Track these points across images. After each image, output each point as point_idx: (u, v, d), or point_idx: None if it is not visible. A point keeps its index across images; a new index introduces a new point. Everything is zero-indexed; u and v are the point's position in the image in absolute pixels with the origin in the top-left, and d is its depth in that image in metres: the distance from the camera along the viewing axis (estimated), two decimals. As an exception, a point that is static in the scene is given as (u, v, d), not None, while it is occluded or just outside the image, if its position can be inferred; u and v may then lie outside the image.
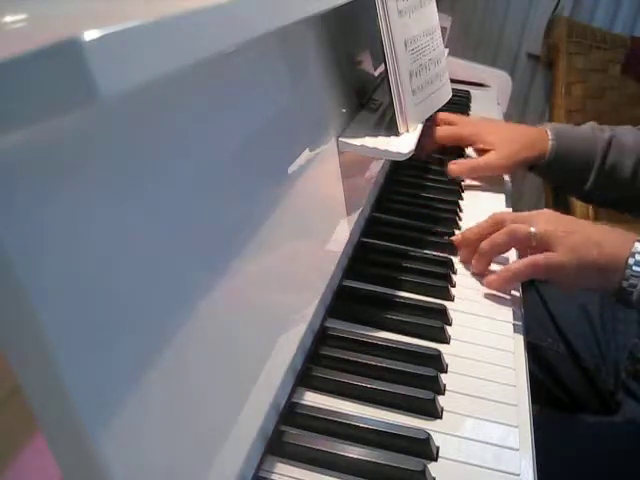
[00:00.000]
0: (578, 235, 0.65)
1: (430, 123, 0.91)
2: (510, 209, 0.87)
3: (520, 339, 0.61)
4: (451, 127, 0.95)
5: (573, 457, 0.68)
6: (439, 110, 0.82)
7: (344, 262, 0.65)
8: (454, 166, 0.90)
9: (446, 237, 0.75)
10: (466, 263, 0.72)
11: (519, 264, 0.65)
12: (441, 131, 0.93)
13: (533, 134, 0.91)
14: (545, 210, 0.71)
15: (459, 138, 0.94)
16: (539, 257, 0.64)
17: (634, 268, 0.62)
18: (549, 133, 0.89)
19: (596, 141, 0.88)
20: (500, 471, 0.45)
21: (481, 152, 0.92)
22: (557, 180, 0.95)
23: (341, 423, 0.46)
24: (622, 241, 0.64)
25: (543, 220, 0.67)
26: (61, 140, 0.25)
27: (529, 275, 0.66)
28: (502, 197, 0.91)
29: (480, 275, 0.70)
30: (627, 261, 0.63)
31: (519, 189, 1.99)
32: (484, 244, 0.69)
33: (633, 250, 0.63)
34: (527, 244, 0.66)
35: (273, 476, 0.43)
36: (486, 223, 0.71)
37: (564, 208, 1.60)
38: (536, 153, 0.88)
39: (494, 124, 0.99)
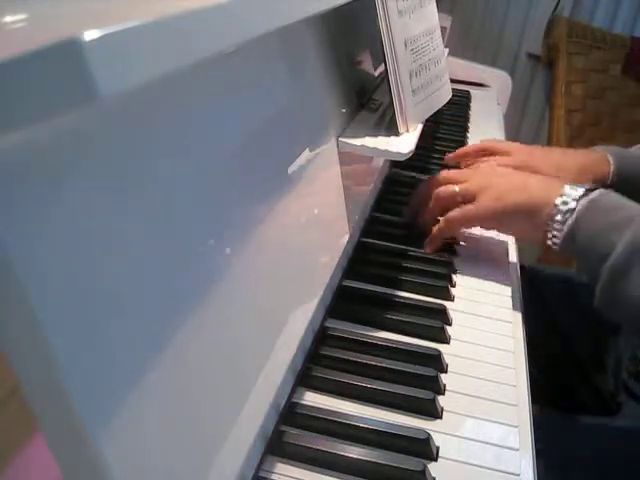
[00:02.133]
0: (503, 184, 0.66)
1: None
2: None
3: (520, 339, 0.61)
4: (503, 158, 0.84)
5: (573, 457, 0.68)
6: (439, 110, 0.81)
7: (344, 262, 0.65)
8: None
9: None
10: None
11: (439, 224, 0.70)
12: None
13: (590, 159, 0.82)
14: (483, 165, 0.74)
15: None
16: (464, 208, 0.67)
17: (560, 208, 0.62)
18: (610, 157, 0.81)
19: None
20: (500, 471, 0.45)
21: None
22: None
23: (341, 423, 0.46)
24: (551, 186, 0.64)
25: (478, 174, 0.70)
26: (61, 140, 0.25)
27: (451, 230, 0.70)
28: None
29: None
30: (554, 202, 0.62)
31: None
32: (422, 210, 0.74)
33: (562, 191, 0.62)
34: (454, 202, 0.69)
35: (273, 476, 0.43)
36: (422, 188, 0.76)
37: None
38: (593, 179, 0.79)
39: (546, 151, 0.88)
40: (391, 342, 0.56)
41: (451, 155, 0.89)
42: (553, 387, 0.86)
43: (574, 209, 0.61)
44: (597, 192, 0.62)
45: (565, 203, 0.62)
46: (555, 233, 0.62)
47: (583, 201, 0.61)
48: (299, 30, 0.55)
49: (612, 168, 0.80)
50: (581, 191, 0.62)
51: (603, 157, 0.82)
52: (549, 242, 0.63)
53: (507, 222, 0.67)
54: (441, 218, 0.69)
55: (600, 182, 0.80)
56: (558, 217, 0.62)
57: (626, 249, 0.57)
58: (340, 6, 0.53)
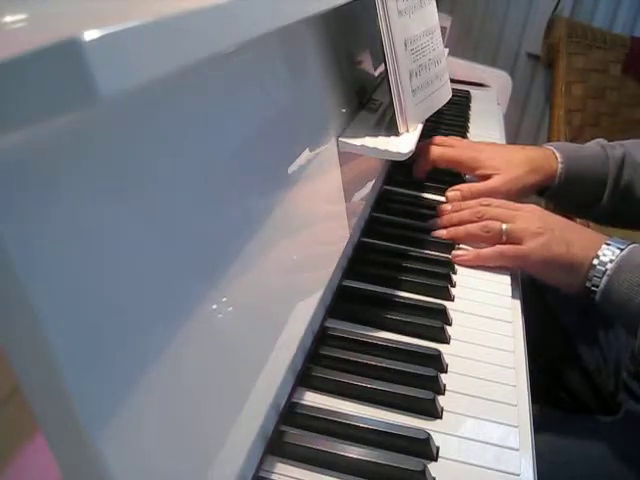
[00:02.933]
0: (549, 233, 0.68)
1: (425, 143, 0.87)
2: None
3: (520, 339, 0.61)
4: (448, 149, 0.87)
5: (573, 457, 0.68)
6: (439, 110, 0.81)
7: (344, 262, 0.65)
8: (456, 194, 0.82)
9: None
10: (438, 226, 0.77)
11: (489, 251, 0.71)
12: (437, 152, 0.86)
13: (540, 156, 0.84)
14: (531, 206, 0.73)
15: (457, 162, 0.86)
16: (510, 249, 0.69)
17: (598, 268, 0.65)
18: (557, 154, 0.83)
19: (607, 160, 0.83)
20: (500, 471, 0.45)
21: (482, 178, 0.83)
22: (568, 203, 0.89)
23: (341, 423, 0.46)
24: (592, 242, 0.67)
25: (522, 218, 0.71)
26: (61, 140, 0.25)
27: (495, 262, 0.71)
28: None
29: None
30: (592, 262, 0.65)
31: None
32: (461, 229, 0.74)
33: (599, 252, 0.65)
34: (498, 240, 0.71)
35: (273, 476, 0.43)
36: (473, 202, 0.76)
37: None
38: (544, 176, 0.83)
39: (496, 147, 0.91)
40: (391, 342, 0.55)
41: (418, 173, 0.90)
42: (553, 387, 0.86)
43: (606, 271, 0.64)
44: (627, 249, 0.65)
45: (602, 264, 0.65)
46: (593, 289, 0.65)
47: (614, 262, 0.64)
48: (299, 30, 0.55)
49: (560, 166, 0.82)
50: (617, 251, 0.65)
51: (551, 154, 0.84)
52: (589, 300, 0.66)
53: (549, 272, 0.69)
54: (492, 248, 0.71)
55: (549, 178, 0.83)
56: (594, 274, 0.65)
57: None
58: (340, 6, 0.53)
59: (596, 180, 0.83)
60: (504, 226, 0.70)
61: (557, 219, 0.72)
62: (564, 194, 0.85)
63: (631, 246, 0.65)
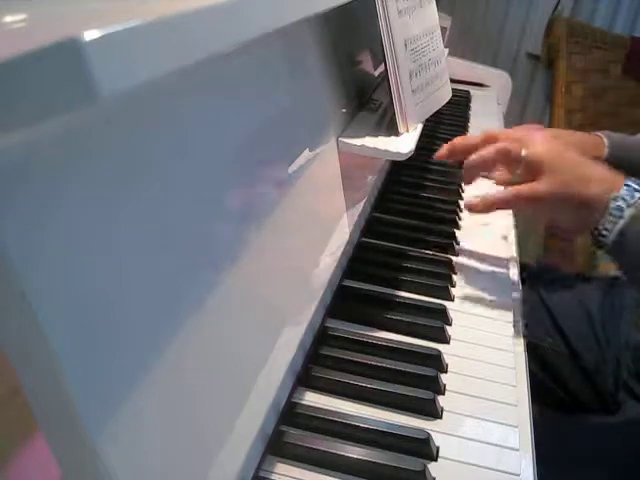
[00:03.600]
0: (568, 167, 0.64)
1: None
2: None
3: (520, 339, 0.61)
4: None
5: (573, 457, 0.68)
6: (439, 110, 0.81)
7: (344, 262, 0.65)
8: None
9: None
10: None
11: (504, 192, 0.65)
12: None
13: (588, 140, 0.87)
14: (540, 134, 0.71)
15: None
16: (524, 187, 0.64)
17: (613, 212, 0.61)
18: (605, 140, 0.86)
19: None
20: (500, 471, 0.45)
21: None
22: None
23: (341, 423, 0.46)
24: (610, 182, 0.63)
25: (538, 143, 0.66)
26: (61, 140, 0.25)
27: (512, 204, 0.66)
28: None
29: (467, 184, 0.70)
30: (608, 203, 0.61)
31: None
32: (473, 157, 0.67)
33: (617, 194, 0.61)
34: (516, 166, 0.65)
35: (273, 476, 0.43)
36: (478, 138, 0.70)
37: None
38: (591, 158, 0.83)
39: (549, 131, 0.91)
40: (391, 342, 0.55)
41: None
42: (553, 387, 0.86)
43: (622, 215, 0.60)
44: None
45: (619, 209, 0.61)
46: (606, 231, 0.61)
47: (633, 207, 0.60)
48: (299, 30, 0.55)
49: (606, 151, 0.84)
50: (636, 194, 0.61)
51: (599, 139, 0.86)
52: (599, 242, 0.63)
53: (564, 212, 0.65)
54: (508, 190, 0.65)
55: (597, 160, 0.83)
56: (611, 215, 0.61)
57: None
58: (340, 6, 0.53)
59: None
60: (524, 151, 0.65)
61: (574, 154, 0.67)
62: None
63: None
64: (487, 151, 0.66)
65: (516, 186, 0.64)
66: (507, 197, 0.65)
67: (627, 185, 0.62)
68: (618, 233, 0.61)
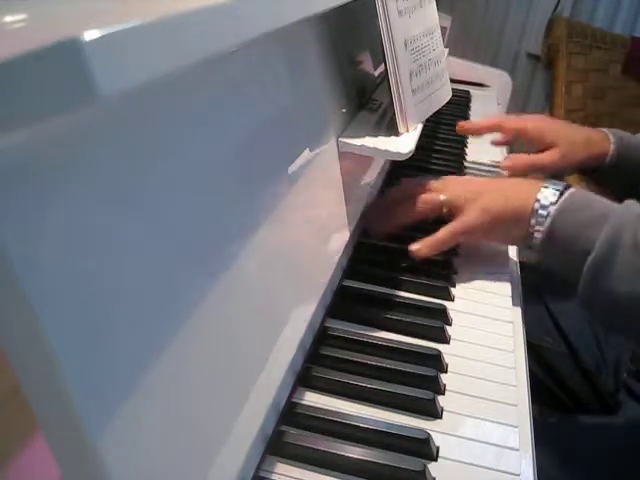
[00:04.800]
0: (485, 194, 0.68)
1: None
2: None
3: (520, 339, 0.61)
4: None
5: (573, 457, 0.68)
6: (439, 110, 0.81)
7: (344, 262, 0.65)
8: (508, 162, 0.89)
9: None
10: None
11: (440, 233, 0.68)
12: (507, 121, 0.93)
13: (594, 135, 0.90)
14: (451, 177, 0.75)
15: (524, 130, 0.92)
16: (456, 224, 0.68)
17: (539, 212, 0.64)
18: (610, 136, 0.89)
19: None
20: (500, 471, 0.45)
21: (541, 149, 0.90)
22: (618, 183, 0.92)
23: (341, 423, 0.46)
24: (528, 190, 0.66)
25: (451, 186, 0.71)
26: (61, 140, 0.25)
27: (448, 242, 0.69)
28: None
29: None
30: (533, 207, 0.64)
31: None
32: (399, 211, 0.72)
33: (538, 196, 0.64)
34: (439, 211, 0.70)
35: (273, 476, 0.43)
36: (398, 192, 0.74)
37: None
38: (595, 154, 0.88)
39: (556, 122, 0.96)
40: (391, 342, 0.55)
41: (467, 126, 0.96)
42: (553, 387, 0.86)
43: (549, 213, 0.63)
44: (568, 192, 0.64)
45: (543, 207, 0.64)
46: (536, 235, 0.64)
47: (558, 203, 0.63)
48: (299, 30, 0.55)
49: (612, 147, 0.87)
50: (556, 194, 0.64)
51: (605, 135, 0.89)
52: (531, 244, 0.65)
53: (497, 232, 0.68)
54: (442, 231, 0.68)
55: (600, 158, 0.87)
56: (535, 221, 0.64)
57: (605, 243, 0.59)
58: (340, 6, 0.53)
59: None
60: (441, 196, 0.69)
61: (482, 179, 0.74)
62: (614, 174, 0.88)
63: (571, 189, 0.65)
64: (411, 205, 0.71)
65: (447, 225, 0.68)
66: (444, 237, 0.68)
67: (545, 187, 0.65)
68: (547, 229, 0.63)
